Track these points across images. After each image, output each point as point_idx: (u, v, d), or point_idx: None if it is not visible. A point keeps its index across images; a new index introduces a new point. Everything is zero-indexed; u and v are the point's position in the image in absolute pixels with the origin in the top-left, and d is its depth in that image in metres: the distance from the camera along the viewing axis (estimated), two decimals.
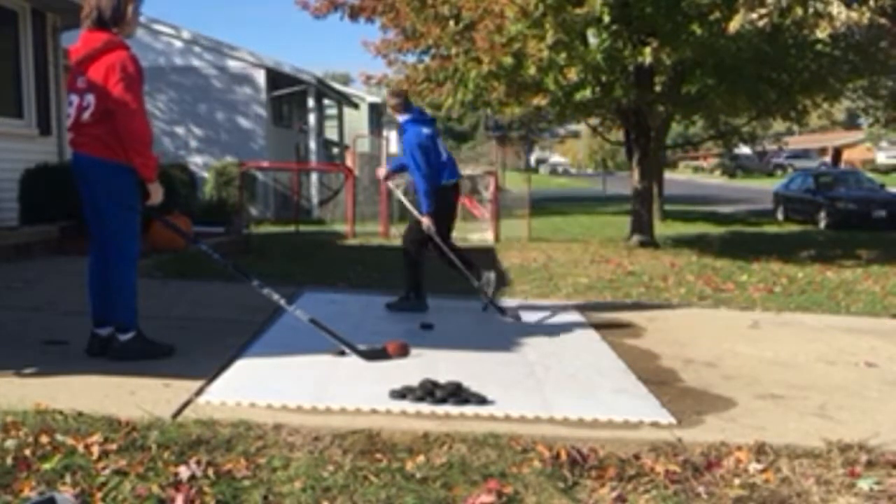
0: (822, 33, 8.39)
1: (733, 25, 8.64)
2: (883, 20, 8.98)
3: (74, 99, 4.12)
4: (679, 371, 4.65)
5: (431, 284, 7.64)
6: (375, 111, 34.03)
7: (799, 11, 8.54)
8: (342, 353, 4.58)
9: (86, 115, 4.07)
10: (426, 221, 6.12)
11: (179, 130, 19.18)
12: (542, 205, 21.61)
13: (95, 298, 4.24)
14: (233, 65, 19.35)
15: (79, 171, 4.19)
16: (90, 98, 4.05)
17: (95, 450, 2.89)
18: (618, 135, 21.74)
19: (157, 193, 4.23)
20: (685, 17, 9.84)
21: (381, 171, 6.88)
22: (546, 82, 10.64)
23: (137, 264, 4.30)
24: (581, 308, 6.60)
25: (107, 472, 2.74)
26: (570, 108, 11.95)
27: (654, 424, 3.60)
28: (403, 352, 4.61)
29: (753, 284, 8.25)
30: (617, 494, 2.80)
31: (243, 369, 4.25)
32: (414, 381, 3.89)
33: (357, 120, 30.25)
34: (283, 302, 4.65)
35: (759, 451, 3.25)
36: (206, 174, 17.34)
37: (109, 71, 4.00)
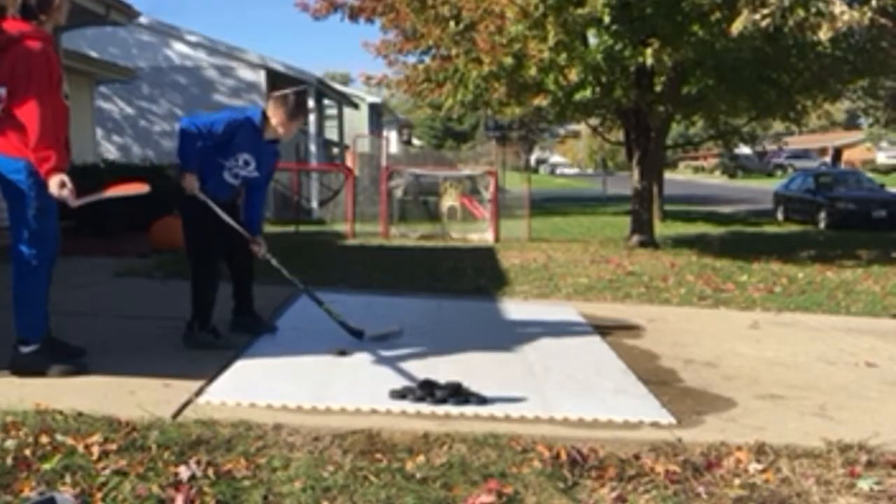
0: (824, 36, 8.38)
1: (736, 27, 8.63)
2: (883, 21, 8.98)
3: None
4: (679, 371, 4.65)
5: (432, 282, 7.66)
6: (375, 111, 34.03)
7: (801, 12, 8.53)
8: (342, 353, 4.59)
9: None
10: (263, 248, 4.97)
11: None
12: (542, 205, 21.61)
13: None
14: (233, 65, 19.35)
15: None
16: (2, 91, 3.78)
17: (95, 450, 2.89)
18: (618, 135, 21.73)
19: (54, 185, 3.71)
20: (686, 18, 9.84)
21: (194, 183, 4.67)
22: (546, 83, 10.65)
23: (49, 274, 3.96)
24: (581, 308, 6.59)
25: (107, 472, 2.74)
26: (570, 108, 11.95)
27: (654, 424, 3.60)
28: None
29: (753, 284, 8.24)
30: (617, 494, 2.80)
31: (243, 369, 4.25)
32: (414, 382, 3.90)
33: (357, 120, 30.23)
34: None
35: (759, 451, 3.25)
36: None
37: (17, 62, 3.75)
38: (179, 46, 19.19)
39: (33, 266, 3.88)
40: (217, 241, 4.79)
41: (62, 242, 4.17)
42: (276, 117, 4.79)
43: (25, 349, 3.90)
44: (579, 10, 9.51)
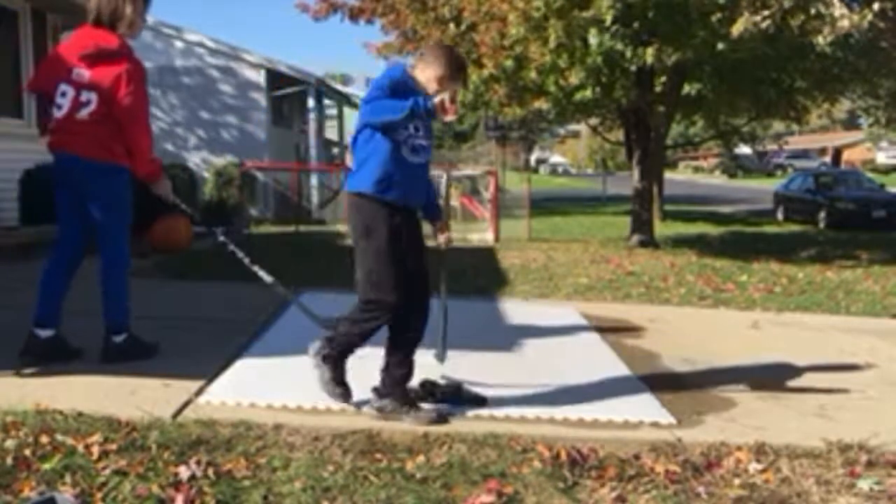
0: (823, 41, 8.37)
1: (736, 28, 8.63)
2: (882, 24, 8.98)
3: (69, 91, 3.95)
4: (679, 371, 4.65)
5: (431, 282, 7.63)
6: None
7: (801, 15, 8.54)
8: None
9: (83, 113, 3.95)
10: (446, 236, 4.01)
11: (180, 130, 19.19)
12: (542, 205, 21.60)
13: (49, 300, 4.13)
14: (234, 65, 19.36)
15: (66, 172, 4.04)
16: (92, 96, 3.93)
17: (95, 450, 2.89)
18: (618, 135, 21.76)
19: (163, 187, 4.24)
20: (686, 19, 9.84)
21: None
22: (547, 84, 10.65)
23: (129, 268, 4.28)
24: (581, 308, 6.59)
25: (107, 472, 2.74)
26: (570, 108, 11.98)
27: (654, 424, 3.61)
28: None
29: (753, 284, 8.24)
30: (617, 494, 2.80)
31: (243, 369, 4.25)
32: (414, 382, 3.89)
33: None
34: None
35: (759, 451, 3.25)
36: (206, 174, 17.34)
37: (122, 77, 3.92)
38: (181, 46, 19.19)
39: (123, 263, 4.17)
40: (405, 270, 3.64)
41: None
42: (433, 71, 3.68)
43: (118, 338, 4.15)
44: (583, 13, 9.51)
